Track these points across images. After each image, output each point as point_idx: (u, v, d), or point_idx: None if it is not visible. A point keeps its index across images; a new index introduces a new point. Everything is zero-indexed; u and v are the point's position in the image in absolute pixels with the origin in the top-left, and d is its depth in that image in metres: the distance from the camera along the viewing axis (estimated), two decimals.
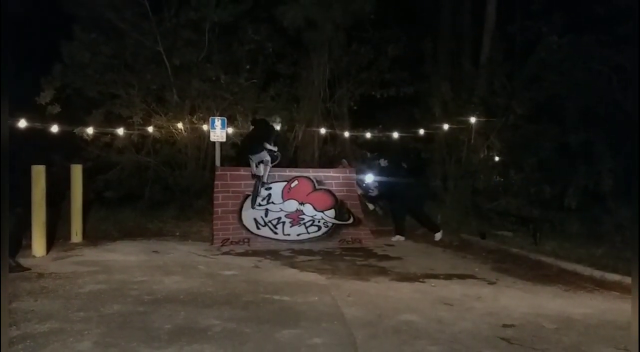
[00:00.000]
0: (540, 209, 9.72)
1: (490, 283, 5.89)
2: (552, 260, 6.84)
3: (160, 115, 10.14)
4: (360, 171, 9.50)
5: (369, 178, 9.36)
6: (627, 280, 5.67)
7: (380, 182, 9.25)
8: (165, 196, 10.17)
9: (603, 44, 9.12)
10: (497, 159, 11.47)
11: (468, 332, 4.05)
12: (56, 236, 7.64)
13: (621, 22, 8.64)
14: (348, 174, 9.11)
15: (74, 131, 9.38)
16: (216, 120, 8.91)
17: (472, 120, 10.78)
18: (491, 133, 11.16)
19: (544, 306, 4.92)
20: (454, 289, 5.51)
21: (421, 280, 5.92)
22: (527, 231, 8.73)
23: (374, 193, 9.47)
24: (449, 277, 6.14)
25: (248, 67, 10.70)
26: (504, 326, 4.23)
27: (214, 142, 9.16)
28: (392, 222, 9.14)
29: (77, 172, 7.81)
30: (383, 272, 6.36)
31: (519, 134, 10.94)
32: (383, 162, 9.32)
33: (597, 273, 6.08)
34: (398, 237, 8.80)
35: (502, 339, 3.90)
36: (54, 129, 8.41)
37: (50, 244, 7.01)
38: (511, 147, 11.10)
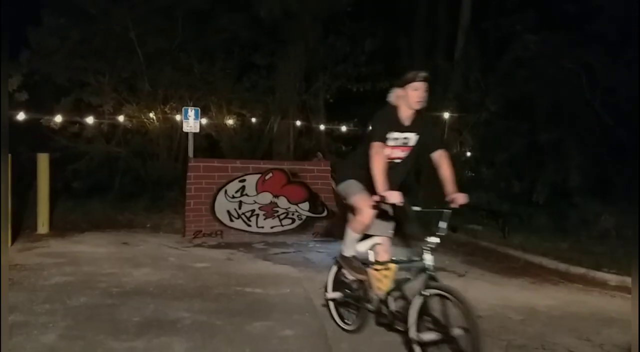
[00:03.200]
0: (509, 203, 9.91)
1: (460, 275, 5.99)
2: (519, 253, 7.01)
3: (132, 104, 9.94)
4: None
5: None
6: (591, 273, 5.87)
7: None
8: (136, 187, 10.00)
9: (573, 43, 9.32)
10: (468, 154, 11.64)
11: None
12: (22, 226, 7.42)
13: (591, 20, 8.82)
14: (323, 167, 9.11)
15: (42, 119, 9.13)
16: (189, 110, 8.76)
17: (446, 115, 10.89)
18: (464, 129, 11.31)
19: (510, 297, 5.04)
20: None
21: None
22: (497, 225, 8.91)
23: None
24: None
25: (223, 56, 10.56)
26: None
27: (186, 133, 9.02)
28: None
29: (43, 161, 7.59)
30: None
31: (491, 130, 11.12)
32: None
33: (562, 266, 6.26)
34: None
35: None
36: (21, 117, 8.15)
37: (15, 235, 6.81)
38: (483, 143, 11.27)
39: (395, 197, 3.12)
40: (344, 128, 11.59)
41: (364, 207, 3.38)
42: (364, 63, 11.46)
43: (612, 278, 5.72)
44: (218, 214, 7.98)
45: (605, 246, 7.14)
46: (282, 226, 8.24)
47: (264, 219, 8.20)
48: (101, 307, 4.17)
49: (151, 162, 10.20)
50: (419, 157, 3.67)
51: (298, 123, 11.33)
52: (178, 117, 9.49)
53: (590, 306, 4.84)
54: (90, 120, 9.40)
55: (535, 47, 9.92)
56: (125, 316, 3.99)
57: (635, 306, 1.85)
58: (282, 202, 8.41)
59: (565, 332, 4.02)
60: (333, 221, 8.55)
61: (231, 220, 8.01)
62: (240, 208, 8.11)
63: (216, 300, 4.53)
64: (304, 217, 8.42)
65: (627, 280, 5.46)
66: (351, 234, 3.63)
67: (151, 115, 9.94)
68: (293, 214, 8.39)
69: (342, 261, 3.69)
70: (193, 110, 8.79)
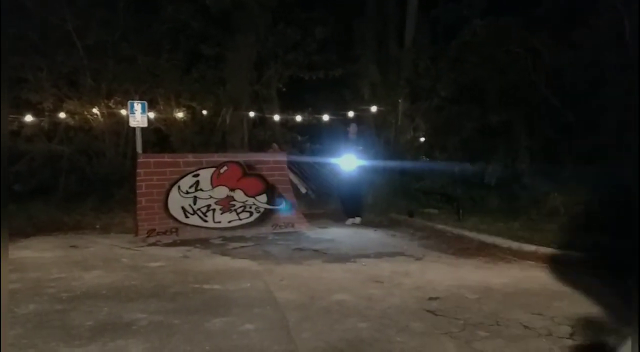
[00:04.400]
0: (463, 186, 10.18)
1: (418, 259, 6.10)
2: (473, 234, 7.18)
3: (73, 100, 9.48)
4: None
5: (350, 162, 8.67)
6: (542, 249, 6.10)
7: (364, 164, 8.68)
8: (82, 186, 9.56)
9: (519, 26, 9.59)
10: (422, 139, 11.85)
11: (396, 307, 4.16)
12: None
13: (536, 4, 9.09)
14: (279, 158, 9.03)
15: None
16: (135, 104, 8.42)
17: (399, 102, 11.03)
18: (417, 115, 11.49)
19: (466, 277, 5.16)
20: (384, 267, 5.65)
21: (353, 260, 6.01)
22: (452, 208, 9.13)
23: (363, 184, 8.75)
24: (379, 255, 6.28)
25: (168, 48, 10.22)
26: (430, 299, 4.39)
27: (134, 128, 8.68)
28: (351, 205, 9.00)
29: None
30: (316, 254, 6.38)
31: (443, 116, 11.36)
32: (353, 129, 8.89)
33: (515, 244, 6.46)
34: (353, 220, 8.86)
35: (428, 311, 4.06)
36: None
37: None
38: (436, 128, 11.51)
39: None
40: (298, 117, 11.51)
41: None
42: (315, 51, 11.37)
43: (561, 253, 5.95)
44: (172, 211, 7.75)
45: (555, 223, 7.44)
46: (240, 219, 8.11)
47: (221, 214, 8.04)
48: (51, 314, 4.00)
49: (97, 160, 9.79)
50: None
51: (251, 114, 11.15)
52: (124, 112, 9.14)
53: (541, 282, 5.03)
54: (29, 118, 8.90)
55: (483, 31, 10.15)
56: (77, 321, 3.84)
57: (636, 304, 1.85)
58: (239, 195, 8.28)
59: (518, 308, 4.14)
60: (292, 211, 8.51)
61: (186, 216, 7.80)
62: (195, 204, 7.92)
63: (173, 299, 4.40)
64: (262, 210, 8.32)
65: (576, 254, 5.71)
66: None
67: (95, 110, 9.52)
68: (250, 207, 8.27)
69: None
70: (139, 104, 8.45)
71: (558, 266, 5.62)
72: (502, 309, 4.14)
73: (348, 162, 8.79)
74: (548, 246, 6.15)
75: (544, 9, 8.98)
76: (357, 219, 8.89)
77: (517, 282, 5.00)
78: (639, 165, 1.86)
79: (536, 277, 5.23)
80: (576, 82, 8.93)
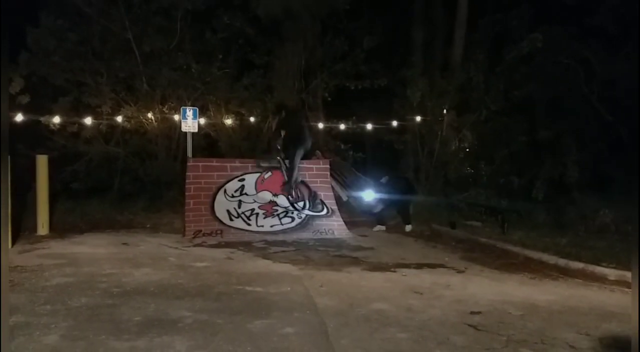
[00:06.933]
0: (508, 199, 9.95)
1: (459, 272, 6.01)
2: (518, 249, 7.01)
3: (130, 105, 9.92)
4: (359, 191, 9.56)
5: (369, 195, 9.37)
6: (590, 268, 5.88)
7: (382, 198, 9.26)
8: (135, 187, 9.97)
9: (571, 37, 9.30)
10: (467, 150, 11.65)
11: (437, 319, 4.12)
12: (22, 228, 7.42)
13: (588, 13, 8.79)
14: (322, 165, 9.13)
15: (41, 120, 9.11)
16: (187, 110, 8.76)
17: (445, 112, 10.89)
18: (464, 125, 11.31)
19: (510, 293, 5.05)
20: (424, 278, 5.60)
21: (393, 269, 5.99)
22: (496, 221, 8.93)
23: (378, 208, 9.30)
24: (419, 266, 6.23)
25: (221, 56, 10.55)
26: (472, 313, 4.32)
27: (185, 133, 9.01)
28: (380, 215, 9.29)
29: (42, 163, 7.59)
30: (356, 262, 6.40)
31: (490, 127, 11.14)
32: (384, 180, 9.45)
33: (562, 261, 6.27)
34: (379, 227, 9.05)
35: (469, 325, 3.99)
36: (19, 118, 8.16)
37: (15, 237, 6.81)
38: (482, 140, 11.29)
39: None
40: (342, 126, 11.58)
41: None
42: (362, 61, 11.44)
43: (611, 272, 5.72)
44: (218, 214, 7.99)
45: (604, 241, 7.15)
46: (282, 224, 8.25)
47: (264, 218, 8.21)
48: (102, 308, 4.17)
49: (150, 162, 10.17)
50: None
51: None
52: (176, 117, 9.49)
53: (589, 301, 4.86)
54: (88, 120, 9.38)
55: (536, 43, 9.87)
56: (126, 315, 3.99)
57: (636, 301, 1.84)
58: (282, 200, 8.42)
59: (564, 327, 4.03)
60: (333, 218, 8.57)
61: (231, 219, 8.02)
62: (239, 207, 8.13)
63: (217, 299, 4.53)
64: (303, 216, 8.43)
65: (627, 274, 5.47)
66: None
67: (149, 115, 9.92)
68: (293, 213, 8.40)
69: None
70: (191, 110, 8.79)
71: (608, 286, 5.42)
72: (548, 327, 4.03)
73: (368, 195, 9.22)
74: (597, 264, 5.93)
75: (596, 18, 8.67)
76: (409, 227, 8.92)
77: (563, 300, 4.85)
78: (639, 160, 1.84)
79: (584, 295, 5.05)
80: (629, 94, 8.58)
